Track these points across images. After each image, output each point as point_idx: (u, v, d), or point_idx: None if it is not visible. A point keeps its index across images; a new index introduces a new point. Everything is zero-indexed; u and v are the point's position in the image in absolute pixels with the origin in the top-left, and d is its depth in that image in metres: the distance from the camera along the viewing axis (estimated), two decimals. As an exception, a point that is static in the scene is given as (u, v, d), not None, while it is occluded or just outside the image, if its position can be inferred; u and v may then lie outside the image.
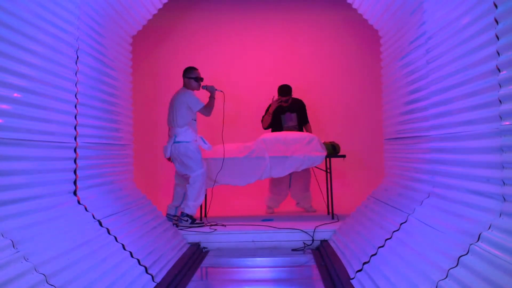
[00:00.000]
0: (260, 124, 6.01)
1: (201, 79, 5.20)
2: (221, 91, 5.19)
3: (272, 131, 5.91)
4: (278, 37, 6.95)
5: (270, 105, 5.89)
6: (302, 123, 5.95)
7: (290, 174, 5.83)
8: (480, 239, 2.38)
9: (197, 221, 5.05)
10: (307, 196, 6.00)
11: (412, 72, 4.02)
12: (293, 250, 4.46)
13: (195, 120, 5.14)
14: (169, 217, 5.11)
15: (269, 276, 4.01)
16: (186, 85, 5.19)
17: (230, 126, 6.52)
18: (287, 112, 5.89)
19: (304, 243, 4.52)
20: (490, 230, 2.36)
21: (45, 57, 3.03)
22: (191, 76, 5.16)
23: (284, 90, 5.85)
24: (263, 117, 5.95)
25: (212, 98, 5.14)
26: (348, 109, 6.83)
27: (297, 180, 5.95)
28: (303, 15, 6.95)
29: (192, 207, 5.03)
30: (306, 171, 5.86)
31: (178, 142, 5.02)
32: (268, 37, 6.96)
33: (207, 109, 5.11)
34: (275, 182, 5.97)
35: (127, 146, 4.77)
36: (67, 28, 3.36)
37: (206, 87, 5.18)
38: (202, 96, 5.26)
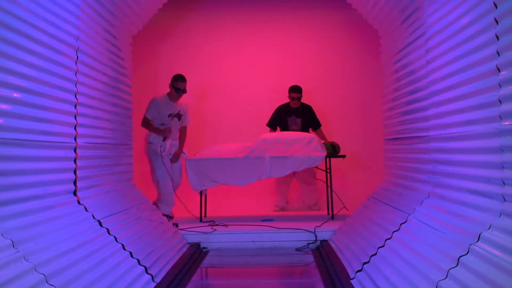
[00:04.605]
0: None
1: (183, 91, 5.34)
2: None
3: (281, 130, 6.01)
4: (278, 38, 6.94)
5: (276, 110, 5.99)
6: (312, 128, 6.03)
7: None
8: (480, 239, 2.38)
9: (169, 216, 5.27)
10: (311, 190, 6.03)
11: (412, 72, 4.02)
12: (297, 249, 4.45)
13: (162, 125, 5.28)
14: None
15: (269, 276, 4.01)
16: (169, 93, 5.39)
17: (230, 126, 6.54)
18: (293, 115, 5.97)
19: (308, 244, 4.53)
20: (490, 230, 2.36)
21: (45, 57, 3.03)
22: (173, 85, 5.34)
23: (296, 87, 5.96)
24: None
25: (155, 131, 5.26)
26: (348, 109, 6.82)
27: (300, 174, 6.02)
28: (303, 15, 6.94)
29: (162, 209, 5.21)
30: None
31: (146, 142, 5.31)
32: (268, 37, 6.95)
33: (146, 125, 5.28)
34: (280, 182, 6.07)
35: (127, 146, 4.77)
36: (67, 28, 3.36)
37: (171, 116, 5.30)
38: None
